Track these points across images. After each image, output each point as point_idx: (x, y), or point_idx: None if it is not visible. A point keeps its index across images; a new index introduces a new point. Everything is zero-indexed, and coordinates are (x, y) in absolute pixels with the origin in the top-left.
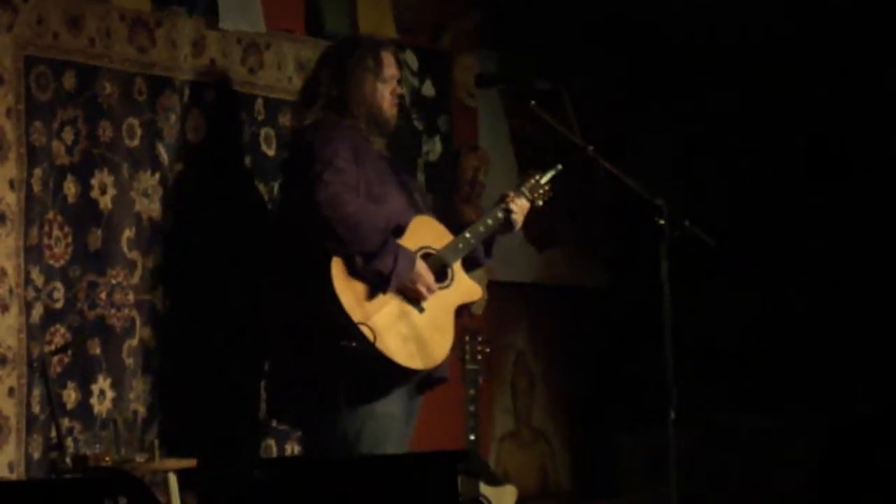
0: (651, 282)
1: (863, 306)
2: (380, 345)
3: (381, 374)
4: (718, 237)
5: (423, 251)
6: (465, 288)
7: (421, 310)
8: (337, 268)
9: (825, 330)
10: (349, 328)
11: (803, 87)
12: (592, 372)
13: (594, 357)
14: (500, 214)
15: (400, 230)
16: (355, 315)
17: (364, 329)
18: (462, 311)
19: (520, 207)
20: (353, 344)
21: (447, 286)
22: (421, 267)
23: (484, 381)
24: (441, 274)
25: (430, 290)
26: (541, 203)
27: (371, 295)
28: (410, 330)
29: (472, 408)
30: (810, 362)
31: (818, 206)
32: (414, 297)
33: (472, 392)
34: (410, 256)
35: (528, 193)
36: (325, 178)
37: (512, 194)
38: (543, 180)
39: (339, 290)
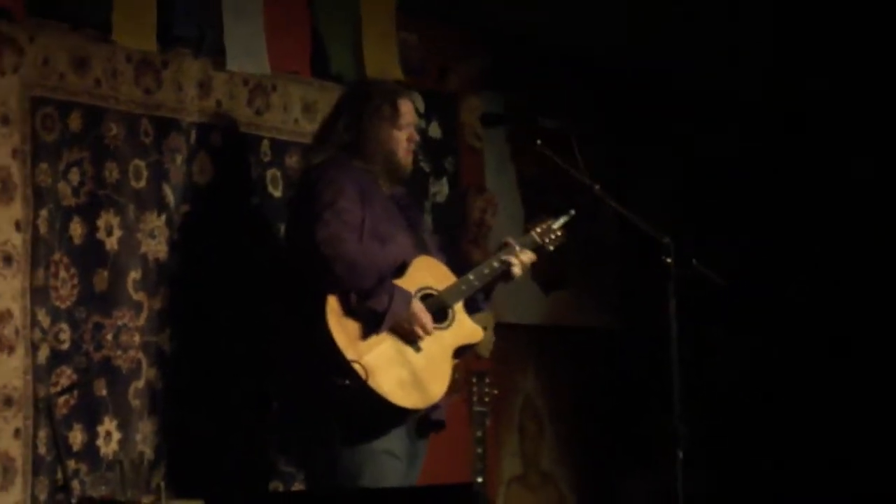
0: (659, 322)
1: (868, 347)
2: (372, 383)
3: (376, 412)
4: (728, 277)
5: (423, 292)
6: (466, 329)
7: (418, 350)
8: (331, 306)
9: (832, 370)
10: (342, 366)
11: (810, 130)
12: (601, 414)
13: (603, 399)
14: (503, 258)
15: (404, 269)
16: (348, 353)
17: (356, 367)
18: (463, 353)
19: (521, 262)
20: (347, 382)
21: (446, 327)
22: (417, 307)
23: (491, 424)
24: (441, 315)
25: (426, 331)
26: (552, 248)
27: (365, 334)
28: (405, 369)
29: (479, 450)
30: (815, 404)
31: (826, 245)
32: (410, 337)
33: (479, 434)
34: (406, 296)
35: (538, 238)
36: (326, 217)
37: (514, 244)
38: (556, 226)
39: (332, 327)
